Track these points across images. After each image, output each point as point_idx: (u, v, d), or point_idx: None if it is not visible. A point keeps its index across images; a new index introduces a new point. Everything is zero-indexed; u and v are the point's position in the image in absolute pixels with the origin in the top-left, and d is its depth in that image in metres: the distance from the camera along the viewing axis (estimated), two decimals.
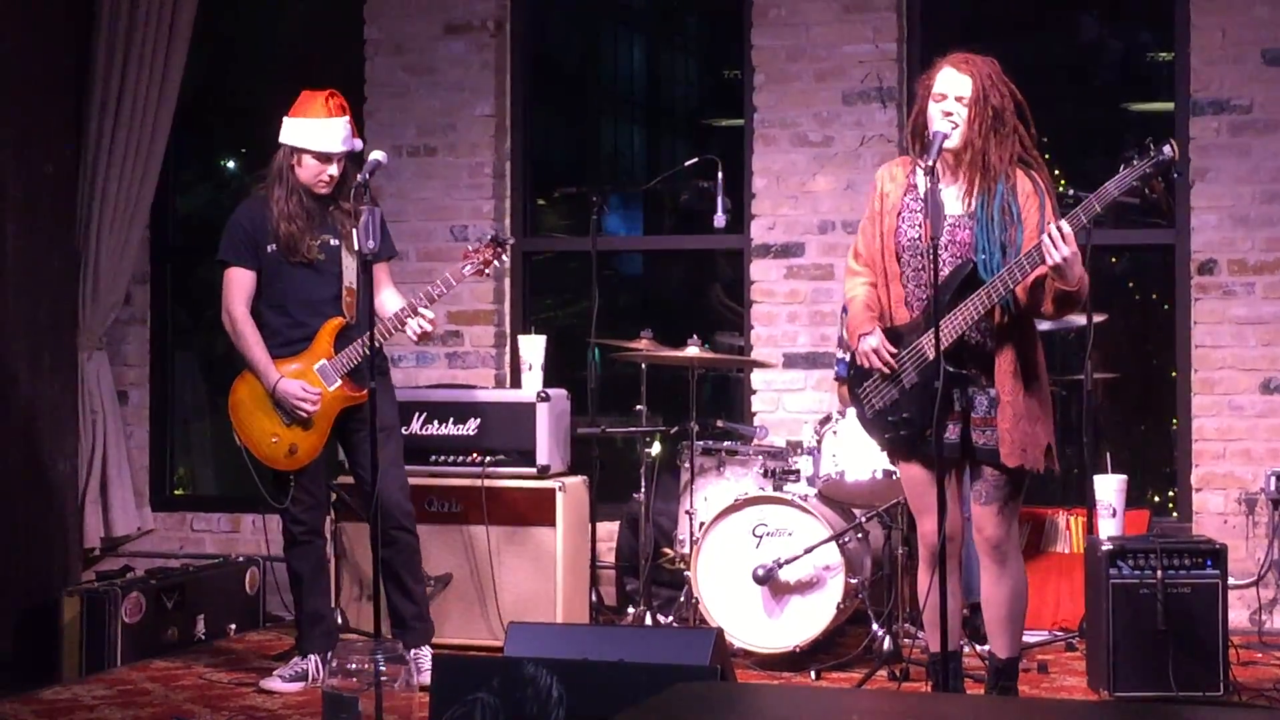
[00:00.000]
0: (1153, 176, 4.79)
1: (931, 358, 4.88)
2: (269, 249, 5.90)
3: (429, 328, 5.84)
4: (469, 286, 6.01)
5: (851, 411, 5.96)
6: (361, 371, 5.70)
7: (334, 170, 5.84)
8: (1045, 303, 4.88)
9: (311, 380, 5.87)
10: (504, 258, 5.99)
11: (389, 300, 5.99)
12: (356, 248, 5.51)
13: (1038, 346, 5.05)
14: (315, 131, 5.82)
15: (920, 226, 4.97)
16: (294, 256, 5.88)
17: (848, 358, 5.41)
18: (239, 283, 5.94)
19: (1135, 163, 4.76)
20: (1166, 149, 4.74)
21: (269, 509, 6.11)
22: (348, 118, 5.87)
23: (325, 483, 6.14)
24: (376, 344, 5.86)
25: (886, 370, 5.02)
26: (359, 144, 5.89)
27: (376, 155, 5.67)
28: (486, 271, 5.99)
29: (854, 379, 5.20)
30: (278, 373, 5.87)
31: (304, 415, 5.86)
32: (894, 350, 4.99)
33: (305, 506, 5.97)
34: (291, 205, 5.87)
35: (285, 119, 5.88)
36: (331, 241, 5.89)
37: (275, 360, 5.89)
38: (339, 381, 5.88)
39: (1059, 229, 4.75)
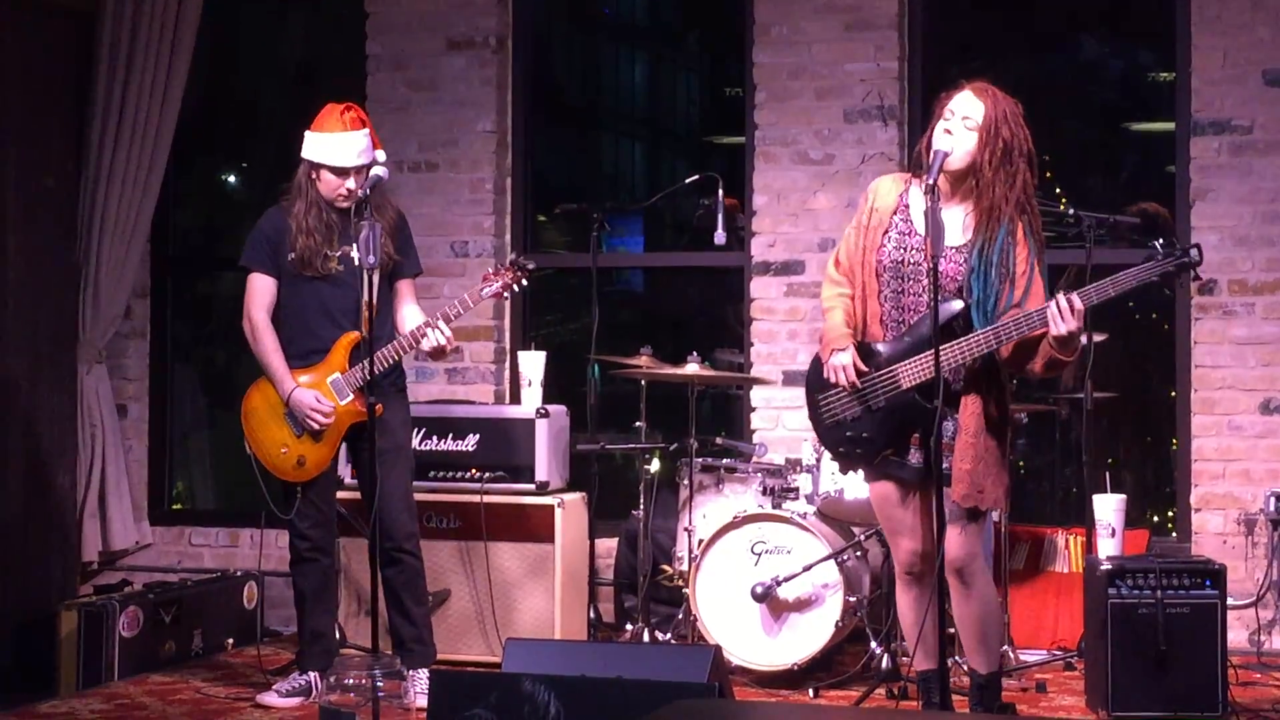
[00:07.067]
0: (1174, 275, 4.81)
1: (905, 387, 4.89)
2: (289, 257, 5.90)
3: (444, 341, 5.82)
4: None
5: None
6: (376, 386, 5.68)
7: (352, 184, 5.80)
8: (1035, 362, 4.87)
9: (325, 393, 5.87)
10: (524, 282, 5.96)
11: (409, 318, 5.98)
12: (357, 262, 5.50)
13: (1006, 391, 5.04)
14: (332, 146, 5.80)
15: (907, 250, 4.96)
16: (308, 270, 5.87)
17: None
18: (260, 288, 5.94)
19: (1159, 259, 4.78)
20: (1194, 252, 4.79)
21: (269, 523, 6.11)
22: (367, 130, 5.84)
23: (335, 501, 6.11)
24: (394, 360, 5.86)
25: (850, 389, 5.00)
26: (380, 156, 5.83)
27: (377, 170, 5.66)
28: (505, 295, 5.99)
29: (815, 382, 5.15)
30: (293, 382, 5.86)
31: (315, 428, 5.85)
32: (864, 370, 4.98)
33: (312, 523, 5.95)
34: (310, 220, 5.86)
35: (306, 133, 5.87)
36: (352, 254, 5.86)
37: (290, 371, 5.89)
38: (351, 396, 5.87)
39: (1070, 302, 4.74)
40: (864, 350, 5.00)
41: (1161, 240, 4.85)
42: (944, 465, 4.92)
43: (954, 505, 4.93)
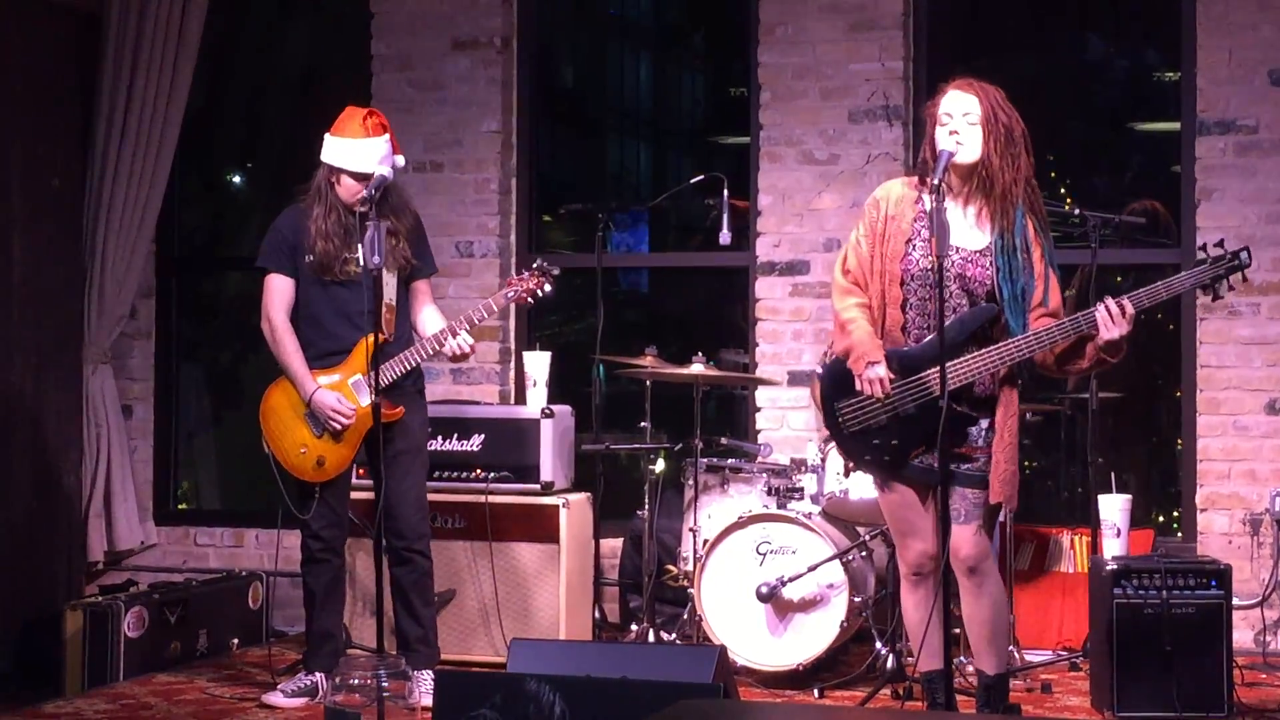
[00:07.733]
0: (1223, 276, 4.87)
1: (937, 393, 4.87)
2: (307, 259, 5.89)
3: (468, 349, 5.83)
4: (473, 302, 6.00)
5: None
6: (396, 389, 5.68)
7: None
8: (1081, 364, 4.94)
9: (347, 394, 5.87)
10: (547, 288, 5.96)
11: (429, 319, 5.98)
12: (362, 262, 5.50)
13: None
14: (353, 151, 5.79)
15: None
16: (326, 275, 5.87)
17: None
18: (279, 289, 5.93)
19: (1210, 261, 4.87)
20: (1244, 255, 4.89)
21: (282, 523, 6.10)
22: (387, 135, 5.83)
23: (349, 502, 6.10)
24: (414, 363, 5.86)
25: (882, 399, 4.98)
26: (400, 161, 5.84)
27: (381, 170, 5.66)
28: (529, 300, 5.99)
29: (832, 392, 5.12)
30: (314, 383, 5.86)
31: (337, 428, 5.85)
32: (892, 377, 4.98)
33: (326, 524, 5.95)
34: (329, 224, 5.85)
35: (326, 136, 5.85)
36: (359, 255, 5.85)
37: (310, 372, 5.88)
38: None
39: (1121, 306, 4.77)
40: (893, 357, 5.00)
41: (1214, 243, 4.91)
42: (965, 467, 4.94)
43: (972, 505, 4.95)
